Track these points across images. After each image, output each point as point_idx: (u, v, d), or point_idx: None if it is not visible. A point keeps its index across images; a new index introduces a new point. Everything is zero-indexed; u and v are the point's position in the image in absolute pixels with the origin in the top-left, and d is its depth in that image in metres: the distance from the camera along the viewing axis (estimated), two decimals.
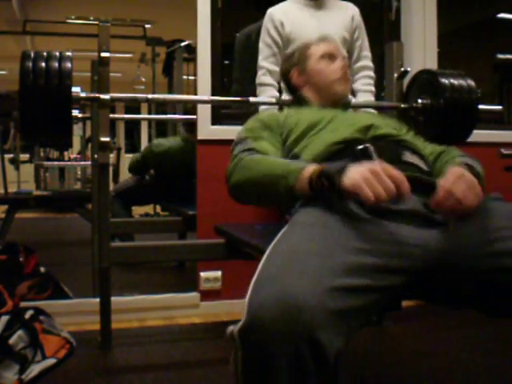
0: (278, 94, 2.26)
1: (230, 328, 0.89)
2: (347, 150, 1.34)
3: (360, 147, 1.32)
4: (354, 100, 2.28)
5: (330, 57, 1.68)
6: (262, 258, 1.00)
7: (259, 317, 0.85)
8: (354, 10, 2.35)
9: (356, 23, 2.33)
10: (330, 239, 1.01)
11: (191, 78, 4.55)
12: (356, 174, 1.04)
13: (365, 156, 1.28)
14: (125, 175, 4.75)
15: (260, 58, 2.28)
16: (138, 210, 5.05)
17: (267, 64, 2.26)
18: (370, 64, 2.36)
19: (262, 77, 2.27)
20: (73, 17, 5.83)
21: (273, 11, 2.29)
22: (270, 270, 0.93)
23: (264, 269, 0.95)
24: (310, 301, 0.85)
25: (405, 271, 1.05)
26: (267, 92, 2.25)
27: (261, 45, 2.29)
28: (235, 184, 1.38)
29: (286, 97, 2.19)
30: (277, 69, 2.23)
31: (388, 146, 1.37)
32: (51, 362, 1.75)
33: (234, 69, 2.56)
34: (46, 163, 5.73)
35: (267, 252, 1.01)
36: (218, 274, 2.54)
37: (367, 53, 2.37)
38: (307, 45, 1.74)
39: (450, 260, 1.09)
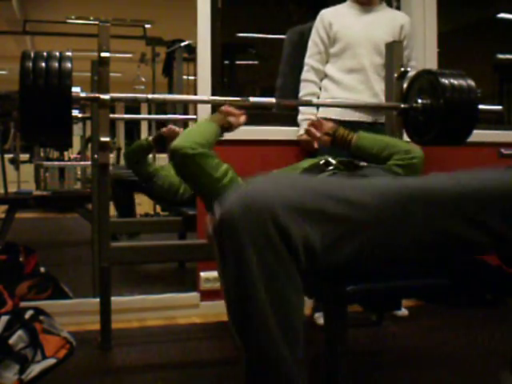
0: (318, 91, 2.39)
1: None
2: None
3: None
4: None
5: None
6: None
7: (228, 212, 0.93)
8: (404, 20, 2.43)
9: (405, 32, 2.41)
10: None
11: (191, 78, 4.54)
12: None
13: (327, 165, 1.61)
14: None
15: (307, 55, 2.41)
16: (137, 210, 5.04)
17: (312, 61, 2.39)
18: None
19: (305, 73, 2.40)
20: (73, 17, 5.84)
21: (324, 13, 2.41)
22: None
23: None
24: (272, 195, 0.95)
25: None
26: (308, 88, 2.38)
27: (309, 43, 2.42)
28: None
29: (323, 94, 2.38)
30: (321, 67, 2.39)
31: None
32: (51, 361, 1.75)
33: (281, 63, 2.66)
34: (45, 163, 5.71)
35: None
36: None
37: (414, 63, 2.43)
38: None
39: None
